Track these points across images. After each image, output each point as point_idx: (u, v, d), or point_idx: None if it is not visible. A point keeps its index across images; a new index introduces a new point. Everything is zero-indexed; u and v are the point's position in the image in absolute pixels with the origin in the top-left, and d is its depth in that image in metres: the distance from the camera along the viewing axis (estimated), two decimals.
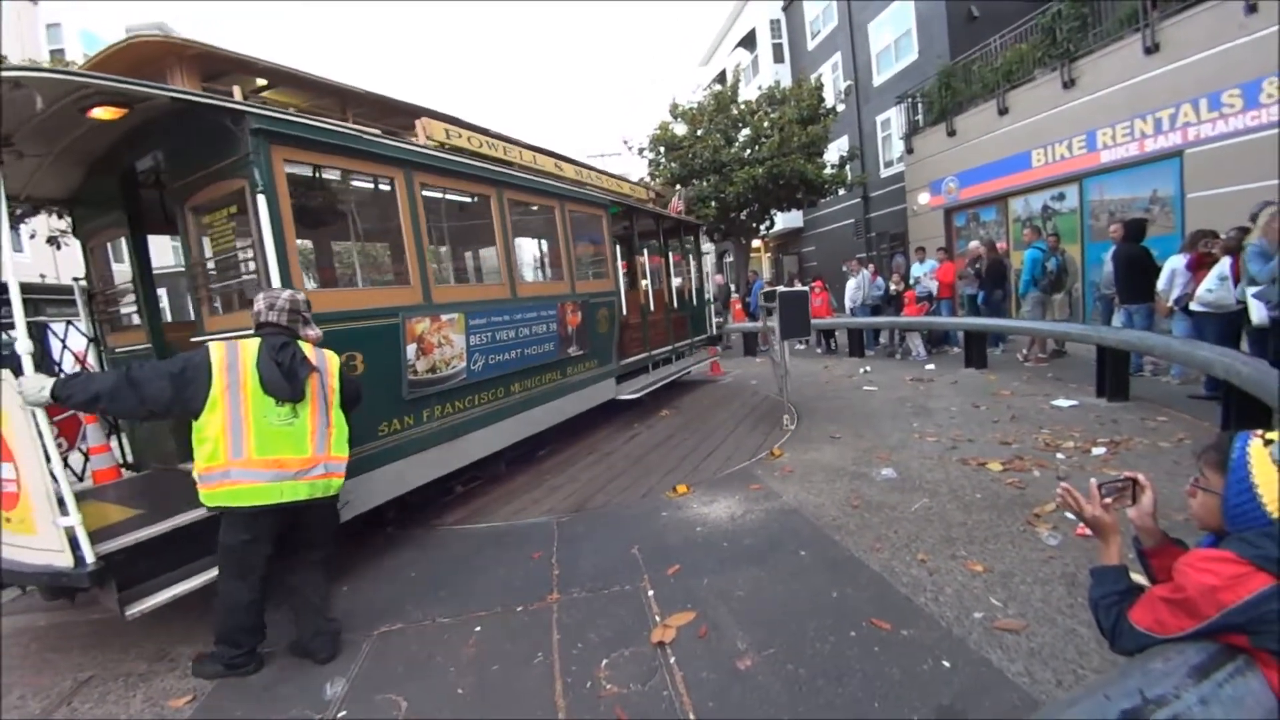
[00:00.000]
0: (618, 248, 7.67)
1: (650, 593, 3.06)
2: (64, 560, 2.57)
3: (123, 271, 4.79)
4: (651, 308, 8.49)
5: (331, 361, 2.83)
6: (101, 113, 3.02)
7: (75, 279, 4.79)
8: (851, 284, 11.58)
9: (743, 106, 16.02)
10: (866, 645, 2.46)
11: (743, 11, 24.48)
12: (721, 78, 22.51)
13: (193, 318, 3.90)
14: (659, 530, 3.86)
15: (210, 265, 3.71)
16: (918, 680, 2.22)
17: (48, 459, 2.53)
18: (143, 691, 2.66)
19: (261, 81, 4.17)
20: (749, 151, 15.23)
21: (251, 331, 2.77)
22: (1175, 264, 6.39)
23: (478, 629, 2.89)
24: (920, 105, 14.13)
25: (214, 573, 2.83)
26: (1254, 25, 7.42)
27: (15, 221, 10.21)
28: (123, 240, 4.45)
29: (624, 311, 7.32)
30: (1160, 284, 6.55)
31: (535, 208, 6.18)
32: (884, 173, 17.72)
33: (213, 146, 3.40)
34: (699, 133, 15.70)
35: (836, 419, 6.33)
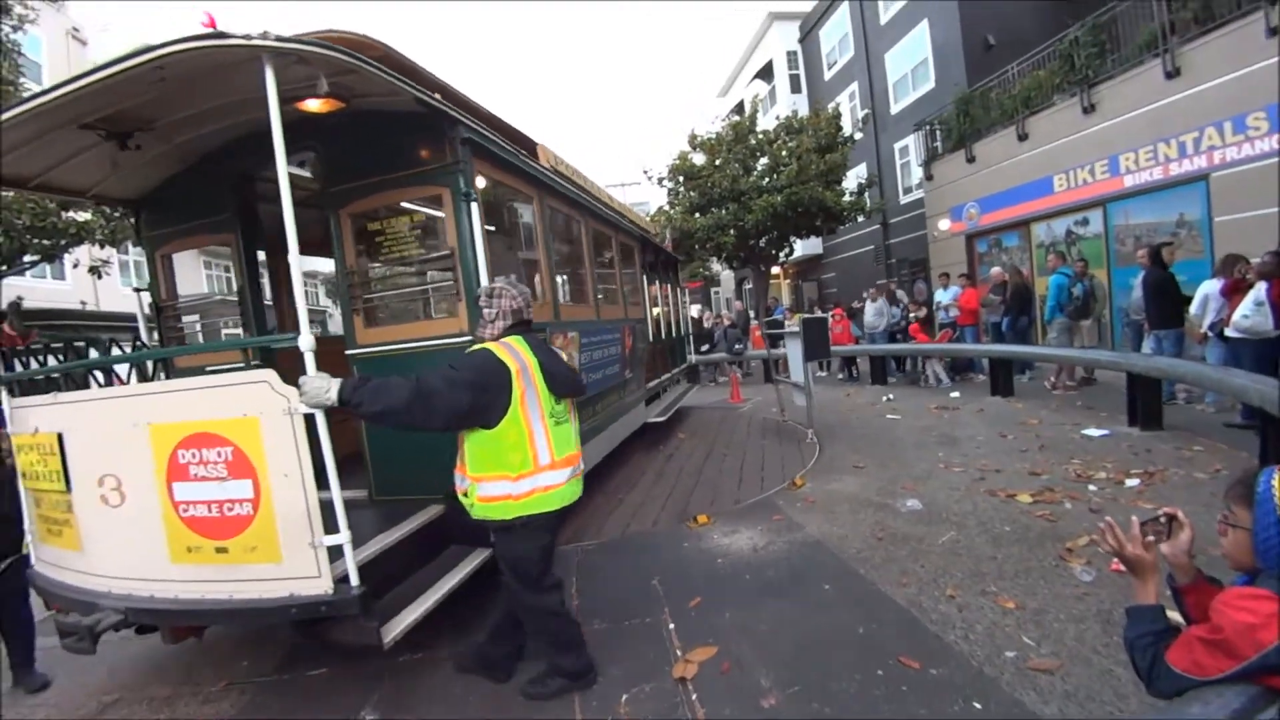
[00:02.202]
0: (644, 277, 7.96)
1: (671, 626, 3.02)
2: (318, 587, 2.27)
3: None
4: (663, 335, 8.83)
5: (565, 356, 2.75)
6: (316, 104, 2.84)
7: (138, 289, 4.37)
8: (870, 310, 11.52)
9: (760, 136, 16.22)
10: (894, 684, 2.39)
11: (760, 44, 24.94)
12: (739, 108, 22.86)
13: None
14: (680, 561, 3.82)
15: (367, 275, 3.63)
16: None
17: (317, 468, 2.25)
18: (168, 715, 2.68)
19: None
20: (767, 180, 15.35)
21: (499, 333, 2.51)
22: (1209, 289, 6.26)
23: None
24: (939, 132, 14.17)
25: (451, 583, 2.83)
26: (1276, 47, 7.36)
27: (60, 251, 10.65)
28: (230, 250, 4.10)
29: (650, 338, 7.55)
30: (1194, 309, 6.42)
31: (603, 235, 6.47)
32: (903, 199, 17.72)
33: (400, 153, 3.36)
34: (717, 162, 15.89)
35: (859, 448, 6.25)
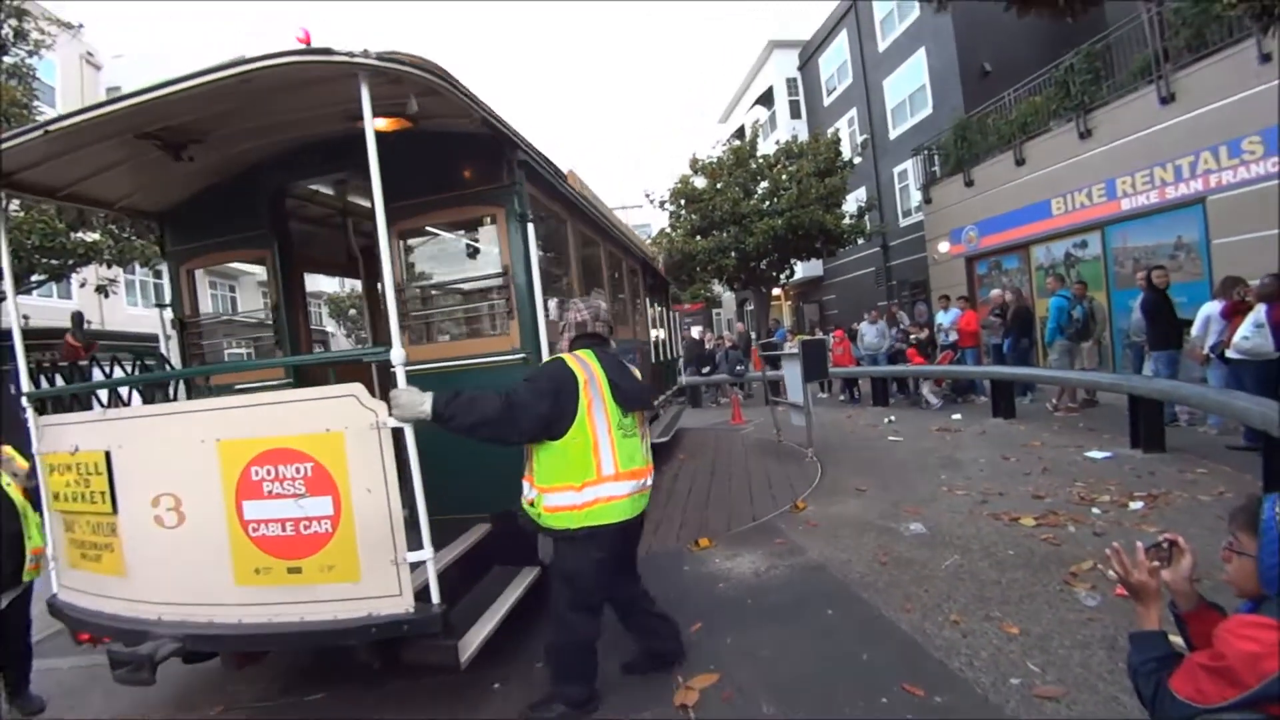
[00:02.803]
0: (647, 300, 8.09)
1: None
2: (399, 605, 2.23)
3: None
4: (661, 356, 9.11)
5: (637, 373, 2.72)
6: (384, 123, 2.85)
7: (160, 304, 4.24)
8: (871, 332, 11.56)
9: (761, 160, 16.44)
10: (898, 712, 2.37)
11: (760, 71, 25.35)
12: (740, 133, 23.18)
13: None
14: (680, 585, 3.79)
15: (416, 293, 3.65)
16: None
17: (402, 483, 2.25)
18: None
19: None
20: (768, 203, 15.54)
21: (567, 345, 2.63)
22: (1210, 310, 6.27)
23: (496, 685, 2.84)
24: (937, 157, 14.34)
25: (511, 600, 2.84)
26: (1268, 74, 7.47)
27: (67, 271, 10.73)
28: (265, 267, 3.99)
29: (652, 359, 7.67)
30: (1195, 330, 6.43)
31: (615, 258, 6.61)
32: (903, 222, 17.86)
33: (452, 173, 3.40)
34: (718, 186, 16.09)
35: (862, 470, 6.22)
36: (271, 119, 3.05)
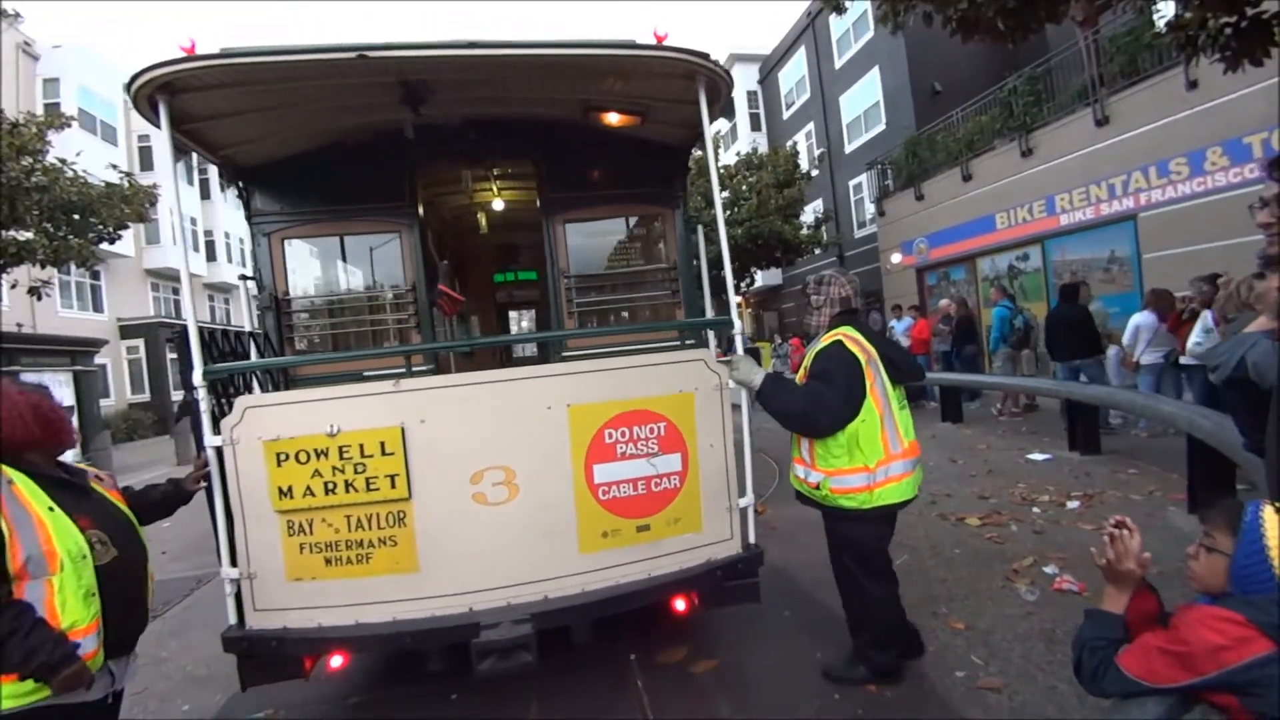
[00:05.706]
0: None
1: (632, 657, 3.00)
2: (732, 548, 2.54)
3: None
4: None
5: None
6: (617, 118, 3.04)
7: (244, 276, 3.67)
8: None
9: (722, 171, 16.69)
10: (851, 707, 2.44)
11: None
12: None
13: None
14: None
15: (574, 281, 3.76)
16: None
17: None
18: None
19: None
20: (729, 213, 15.77)
21: (826, 320, 2.63)
22: (1140, 320, 6.59)
23: (454, 696, 2.81)
24: (889, 171, 14.82)
25: None
26: (1195, 100, 7.99)
27: None
28: (402, 239, 3.70)
29: None
30: (1125, 339, 6.77)
31: None
32: (858, 233, 18.38)
33: (628, 172, 3.57)
34: None
35: None
36: (506, 93, 3.05)
